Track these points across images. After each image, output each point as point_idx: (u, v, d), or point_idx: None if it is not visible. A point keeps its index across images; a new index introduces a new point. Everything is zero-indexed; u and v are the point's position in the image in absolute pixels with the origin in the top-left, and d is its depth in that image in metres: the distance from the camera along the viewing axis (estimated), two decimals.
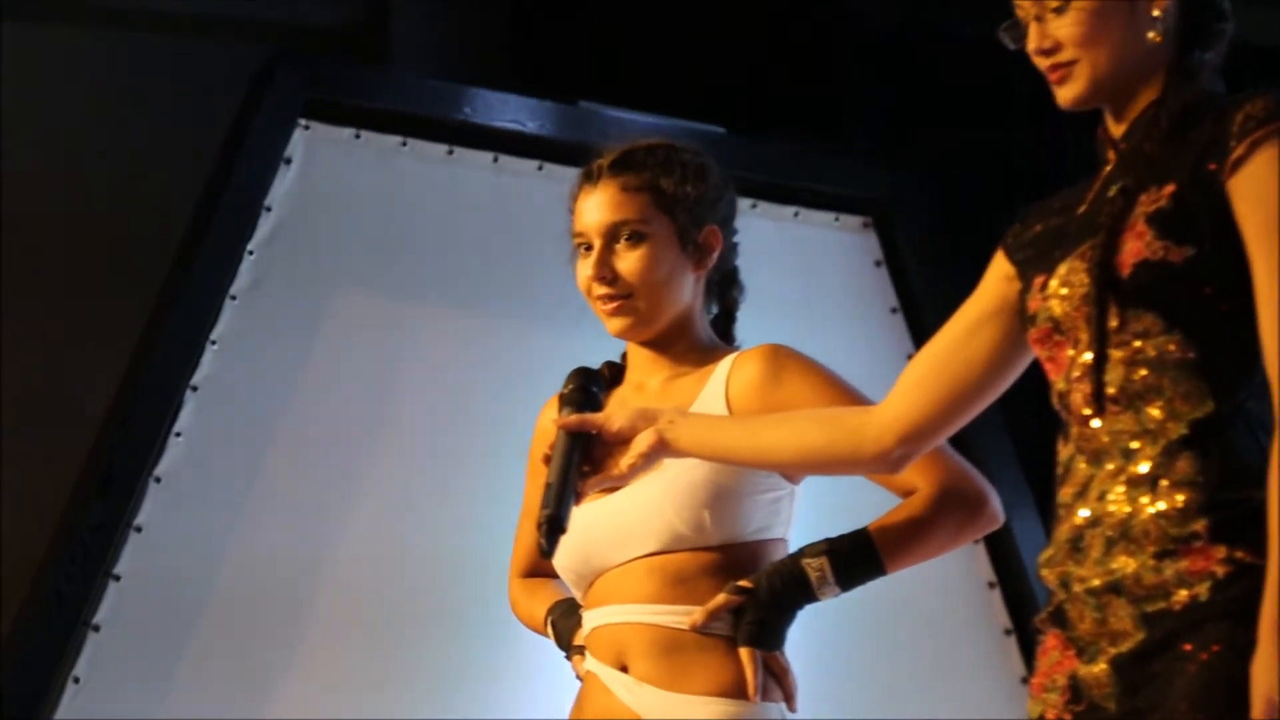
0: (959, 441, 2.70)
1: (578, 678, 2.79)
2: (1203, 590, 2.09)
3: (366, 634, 4.25)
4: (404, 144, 4.57)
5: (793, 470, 2.69)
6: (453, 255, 4.56)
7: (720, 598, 2.66)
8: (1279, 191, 2.11)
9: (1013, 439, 4.83)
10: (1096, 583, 2.17)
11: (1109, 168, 2.29)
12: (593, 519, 2.71)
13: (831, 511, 2.97)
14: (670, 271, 2.80)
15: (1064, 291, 2.25)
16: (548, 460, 2.59)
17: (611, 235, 2.80)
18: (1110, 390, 2.19)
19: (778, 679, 2.69)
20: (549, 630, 2.87)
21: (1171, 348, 2.17)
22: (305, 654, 4.18)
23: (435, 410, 4.45)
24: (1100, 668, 2.17)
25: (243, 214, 4.35)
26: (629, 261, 2.79)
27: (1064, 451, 2.26)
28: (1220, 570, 2.09)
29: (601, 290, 2.80)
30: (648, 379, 2.85)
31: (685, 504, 2.68)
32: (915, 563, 2.72)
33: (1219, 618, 2.08)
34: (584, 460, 2.59)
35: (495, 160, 4.65)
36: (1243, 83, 2.26)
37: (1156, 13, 2.25)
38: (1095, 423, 2.20)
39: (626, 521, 2.71)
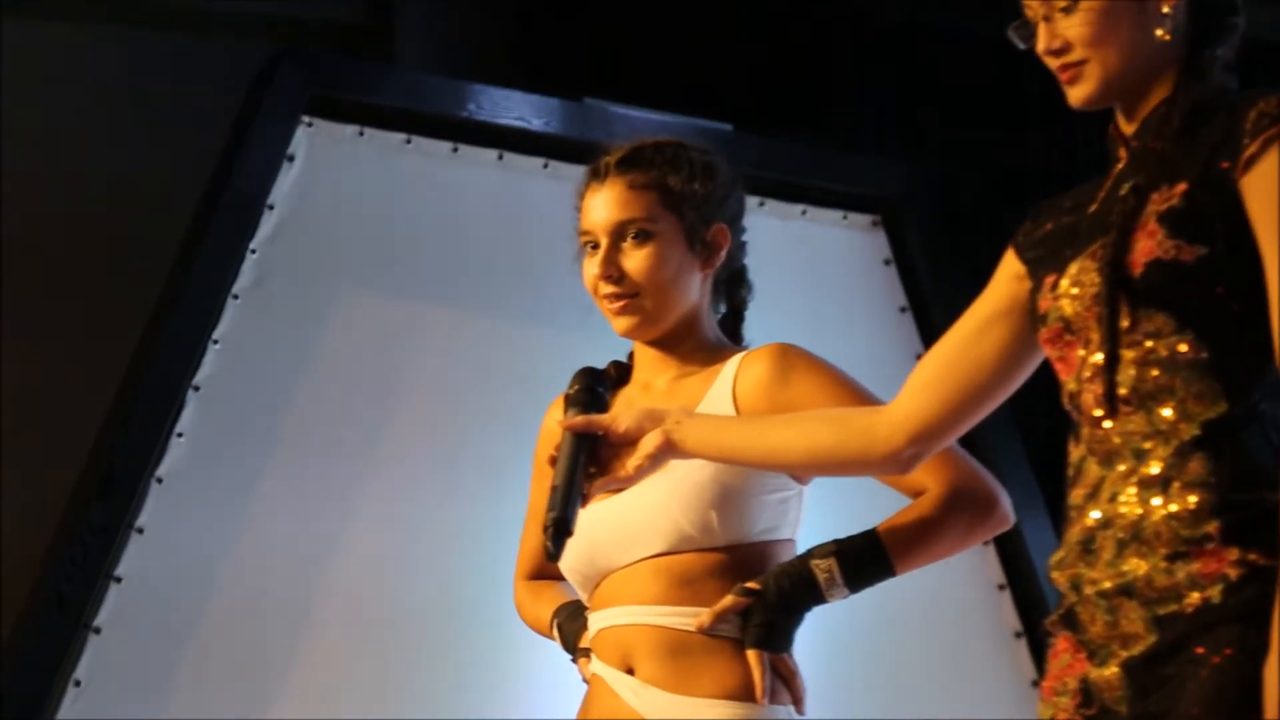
0: (969, 442, 2.69)
1: (584, 680, 2.78)
2: (1215, 592, 2.09)
3: (368, 636, 4.25)
4: (408, 141, 4.56)
5: (801, 471, 2.68)
6: (457, 253, 4.56)
7: (728, 599, 2.65)
8: None
9: (1023, 439, 4.82)
10: (1108, 585, 2.16)
11: (1120, 166, 2.29)
12: (599, 520, 2.70)
13: (840, 512, 2.95)
14: (677, 270, 2.79)
15: (1075, 291, 2.24)
16: (553, 462, 2.58)
17: (618, 234, 2.79)
18: (1122, 391, 2.18)
19: (786, 681, 2.68)
20: (555, 633, 2.86)
21: (1183, 348, 2.16)
22: (307, 656, 4.18)
23: (439, 410, 4.44)
24: (1111, 671, 2.16)
25: (245, 212, 4.34)
26: (636, 260, 2.78)
27: (1075, 452, 2.26)
28: (1232, 572, 2.08)
29: (608, 289, 2.79)
30: (654, 379, 2.84)
31: (692, 504, 2.67)
32: (925, 564, 2.72)
33: (1231, 620, 2.07)
34: (590, 462, 2.58)
35: (500, 158, 4.65)
36: (1255, 80, 2.25)
37: (1166, 10, 2.25)
38: (1107, 424, 2.19)
39: (633, 522, 2.70)
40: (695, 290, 2.82)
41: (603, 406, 2.68)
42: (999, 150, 5.55)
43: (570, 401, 2.69)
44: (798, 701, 2.68)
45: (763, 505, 2.70)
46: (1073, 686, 2.21)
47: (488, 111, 4.63)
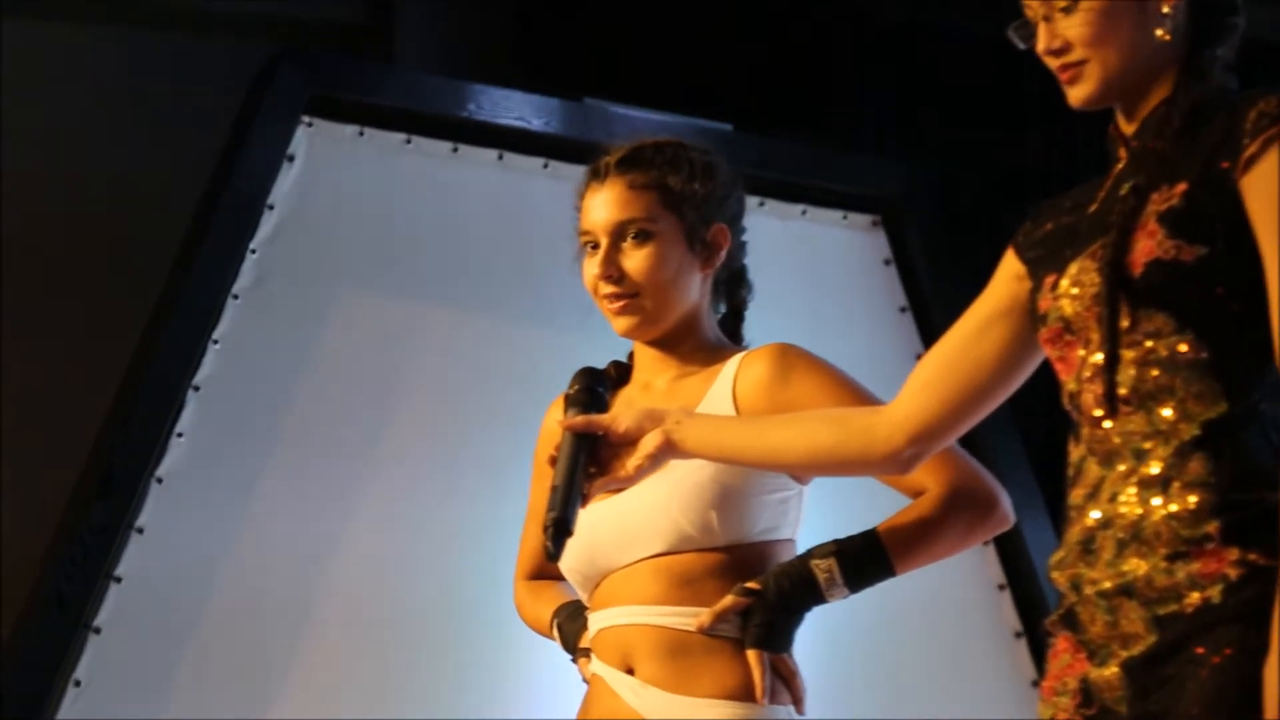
0: (969, 442, 2.69)
1: (584, 680, 2.78)
2: (1215, 592, 2.08)
3: (368, 636, 4.24)
4: (408, 141, 4.56)
5: (801, 471, 2.68)
6: (457, 253, 4.55)
7: (728, 599, 2.65)
8: None
9: (1023, 439, 4.82)
10: (1108, 585, 2.16)
11: (1120, 166, 2.29)
12: (599, 520, 2.70)
13: (840, 512, 2.95)
14: (677, 270, 2.78)
15: (1075, 291, 2.24)
16: (553, 462, 2.58)
17: (618, 234, 2.79)
18: (1122, 391, 2.18)
19: (786, 681, 2.68)
20: (555, 633, 2.86)
21: (1183, 348, 2.15)
22: (307, 656, 4.18)
23: (439, 410, 4.44)
24: (1111, 671, 2.16)
25: (245, 212, 4.34)
26: (636, 260, 2.77)
27: (1075, 452, 2.26)
28: (1232, 572, 2.08)
29: (608, 289, 2.79)
30: (654, 379, 2.84)
31: (692, 504, 2.67)
32: (925, 564, 2.72)
33: (1231, 620, 2.07)
34: (590, 462, 2.58)
35: (500, 158, 4.64)
36: (1255, 80, 2.25)
37: (1166, 10, 2.25)
38: (1107, 424, 2.19)
39: (633, 522, 2.70)
40: (695, 290, 2.81)
41: (603, 406, 2.67)
42: (999, 150, 5.55)
43: (570, 401, 2.68)
44: (798, 701, 2.68)
45: (763, 505, 2.70)
46: (1073, 686, 2.20)
47: (488, 111, 4.63)
